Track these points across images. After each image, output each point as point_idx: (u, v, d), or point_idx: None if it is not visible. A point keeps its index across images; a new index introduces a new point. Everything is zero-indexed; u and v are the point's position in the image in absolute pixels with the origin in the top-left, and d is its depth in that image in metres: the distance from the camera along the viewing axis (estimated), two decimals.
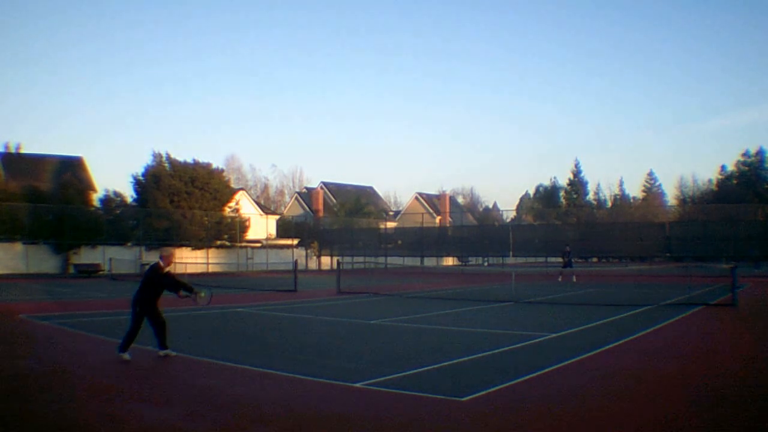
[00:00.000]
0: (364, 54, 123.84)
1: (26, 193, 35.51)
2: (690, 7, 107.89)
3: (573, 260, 31.41)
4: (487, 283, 27.93)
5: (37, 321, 12.99)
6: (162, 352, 8.76)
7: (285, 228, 52.73)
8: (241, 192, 52.15)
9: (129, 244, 37.99)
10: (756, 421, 5.62)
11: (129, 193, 41.22)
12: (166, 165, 41.11)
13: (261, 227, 49.96)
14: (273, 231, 52.69)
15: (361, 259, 41.66)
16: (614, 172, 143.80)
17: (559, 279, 28.62)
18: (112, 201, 40.23)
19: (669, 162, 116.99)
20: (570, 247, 30.53)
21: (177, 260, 34.98)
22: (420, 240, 45.51)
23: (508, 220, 70.06)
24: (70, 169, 43.22)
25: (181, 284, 9.05)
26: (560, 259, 32.46)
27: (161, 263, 8.93)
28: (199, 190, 40.40)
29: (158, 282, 8.79)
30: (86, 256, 35.63)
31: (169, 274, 8.98)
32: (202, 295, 9.20)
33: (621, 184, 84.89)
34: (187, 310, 15.57)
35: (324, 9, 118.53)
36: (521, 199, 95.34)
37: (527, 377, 7.32)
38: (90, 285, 25.88)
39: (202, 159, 43.13)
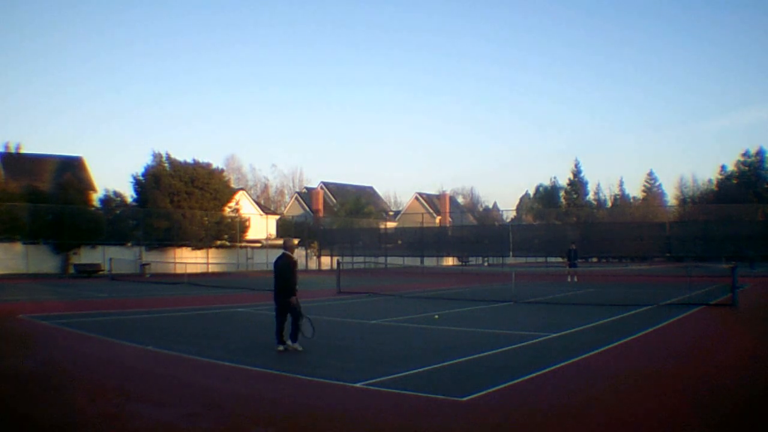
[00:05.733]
0: (365, 54, 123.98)
1: (26, 193, 35.46)
2: (690, 7, 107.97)
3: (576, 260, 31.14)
4: (487, 283, 27.90)
5: (37, 321, 12.98)
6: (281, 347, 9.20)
7: (285, 228, 52.65)
8: (241, 192, 52.05)
9: (129, 244, 37.95)
10: (757, 420, 5.62)
11: (129, 193, 41.19)
12: (166, 165, 41.06)
13: (261, 227, 49.90)
14: (273, 231, 52.64)
15: (361, 259, 41.61)
16: (614, 172, 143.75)
17: (568, 279, 28.15)
18: (112, 201, 40.19)
19: (669, 162, 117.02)
20: (576, 245, 30.31)
21: (177, 260, 35.62)
22: (420, 240, 45.47)
23: (508, 220, 69.86)
24: (70, 169, 43.16)
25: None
26: (560, 259, 32.19)
27: (288, 252, 9.56)
28: (199, 190, 40.36)
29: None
30: (86, 256, 35.58)
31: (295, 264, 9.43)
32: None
33: (621, 184, 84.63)
34: (187, 309, 15.59)
35: (325, 9, 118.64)
36: (521, 199, 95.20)
37: (527, 377, 7.31)
38: (90, 285, 25.87)
39: (202, 159, 43.03)
